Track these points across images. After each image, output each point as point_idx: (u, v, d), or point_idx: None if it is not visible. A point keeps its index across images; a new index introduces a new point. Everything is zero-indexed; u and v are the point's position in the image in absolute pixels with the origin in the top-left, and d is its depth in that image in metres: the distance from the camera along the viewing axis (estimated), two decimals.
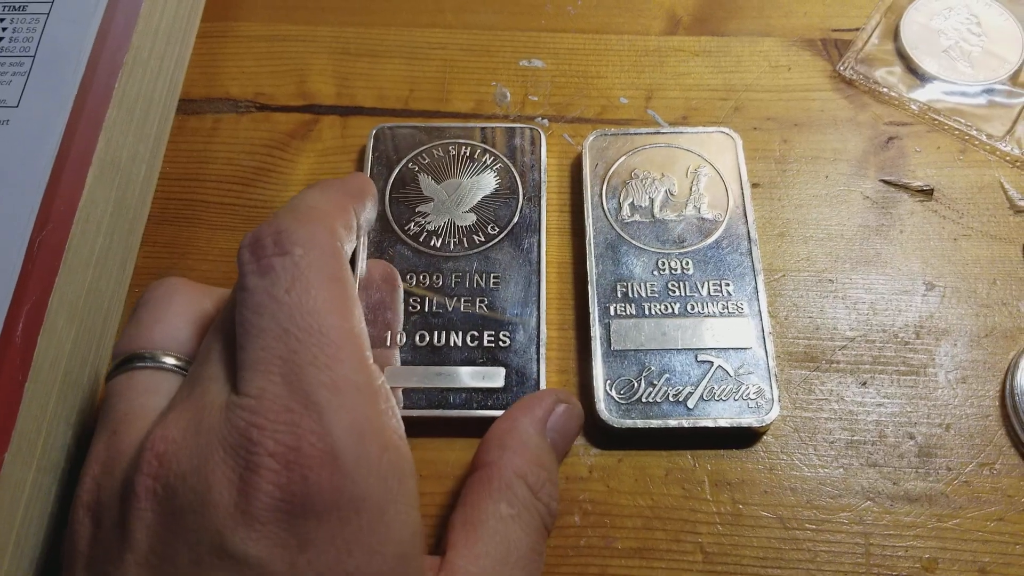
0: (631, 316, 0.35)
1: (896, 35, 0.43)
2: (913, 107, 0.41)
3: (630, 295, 0.36)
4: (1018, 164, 0.39)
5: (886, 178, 0.40)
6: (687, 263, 0.37)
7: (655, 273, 0.36)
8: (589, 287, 0.36)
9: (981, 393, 0.35)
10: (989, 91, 0.41)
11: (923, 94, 0.41)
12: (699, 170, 0.39)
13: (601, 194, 0.38)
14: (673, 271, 0.36)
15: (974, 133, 0.40)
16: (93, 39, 0.35)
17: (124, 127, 0.36)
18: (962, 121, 0.40)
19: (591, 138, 0.40)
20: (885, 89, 0.42)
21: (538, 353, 0.35)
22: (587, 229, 0.37)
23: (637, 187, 0.38)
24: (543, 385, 0.34)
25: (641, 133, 0.40)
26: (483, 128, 0.40)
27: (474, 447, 0.34)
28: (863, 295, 0.37)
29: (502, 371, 0.35)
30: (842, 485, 0.33)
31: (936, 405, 0.35)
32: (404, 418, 0.33)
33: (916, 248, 0.38)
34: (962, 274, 0.37)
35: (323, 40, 0.44)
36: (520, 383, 0.34)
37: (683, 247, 0.37)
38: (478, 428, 0.34)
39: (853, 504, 0.33)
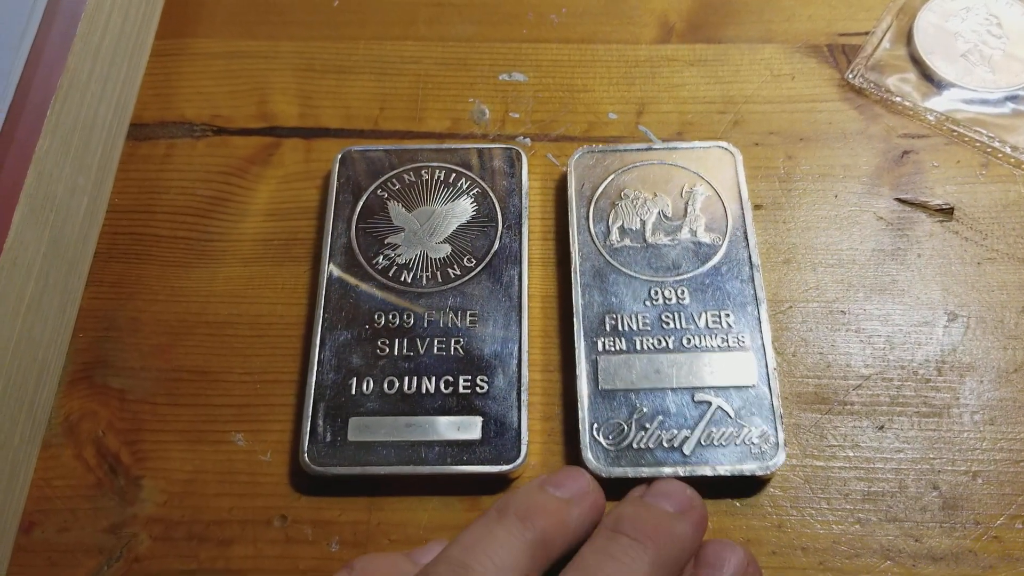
0: (621, 352, 0.32)
1: (909, 39, 0.40)
2: (929, 117, 0.38)
3: (620, 328, 0.33)
4: None
5: (901, 196, 0.37)
6: (682, 292, 0.34)
7: (647, 303, 0.33)
8: (575, 320, 0.33)
9: (1011, 435, 0.32)
10: (1012, 98, 0.38)
11: (940, 103, 0.38)
12: (695, 189, 0.36)
13: (588, 217, 0.35)
14: (667, 301, 0.33)
15: (997, 145, 0.37)
16: (23, 64, 0.32)
17: (59, 158, 0.33)
18: (984, 132, 0.38)
19: (577, 155, 0.37)
20: (898, 98, 0.39)
21: (519, 399, 0.32)
22: (572, 256, 0.35)
23: (627, 208, 0.35)
24: (524, 437, 0.31)
25: (632, 149, 0.37)
26: (459, 149, 0.37)
27: (449, 507, 0.31)
28: (879, 327, 0.34)
29: (479, 421, 0.32)
30: (859, 543, 0.30)
31: (962, 450, 0.32)
32: (370, 476, 0.31)
33: (936, 274, 0.35)
34: (987, 302, 0.34)
35: (286, 56, 0.41)
36: (499, 434, 0.31)
37: (678, 274, 0.34)
38: (452, 485, 0.32)
39: (872, 564, 0.30)
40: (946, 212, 0.36)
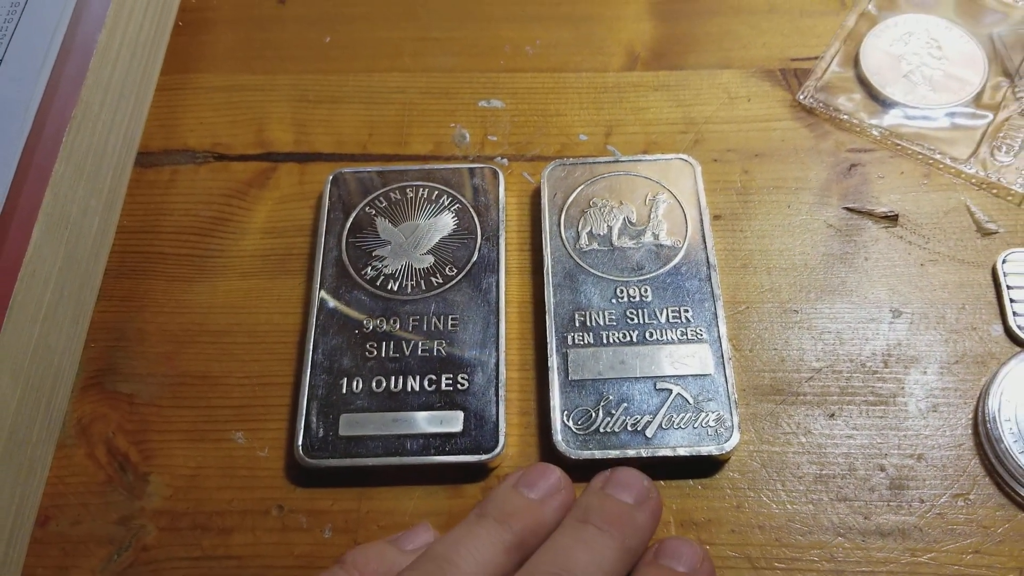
0: (589, 345, 0.35)
1: (856, 62, 0.43)
2: (875, 133, 0.41)
3: (588, 324, 0.35)
4: (984, 186, 0.39)
5: (849, 205, 0.39)
6: (646, 290, 0.36)
7: (613, 301, 0.36)
8: (547, 317, 0.36)
9: (953, 421, 0.34)
10: (952, 114, 0.41)
11: (885, 120, 0.41)
12: (657, 197, 0.38)
13: (559, 223, 0.38)
14: (632, 298, 0.36)
15: (938, 157, 0.40)
16: (40, 96, 0.35)
17: (73, 181, 0.35)
18: (925, 145, 0.40)
19: (550, 168, 0.39)
20: (846, 116, 0.41)
21: (497, 395, 0.34)
22: (545, 259, 0.37)
23: (595, 215, 0.38)
24: (502, 428, 0.33)
25: (600, 162, 0.40)
26: (441, 169, 0.40)
27: (433, 495, 0.33)
28: (829, 325, 0.36)
29: (460, 415, 0.34)
30: (812, 521, 0.32)
31: (907, 435, 0.34)
32: (360, 468, 0.33)
33: (882, 275, 0.37)
34: (930, 300, 0.37)
35: (282, 88, 0.44)
36: (479, 427, 0.34)
37: (642, 274, 0.37)
38: (436, 475, 0.34)
39: (824, 541, 0.32)
40: (891, 219, 0.39)
